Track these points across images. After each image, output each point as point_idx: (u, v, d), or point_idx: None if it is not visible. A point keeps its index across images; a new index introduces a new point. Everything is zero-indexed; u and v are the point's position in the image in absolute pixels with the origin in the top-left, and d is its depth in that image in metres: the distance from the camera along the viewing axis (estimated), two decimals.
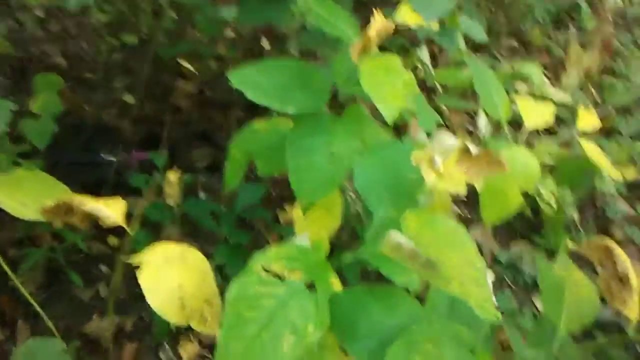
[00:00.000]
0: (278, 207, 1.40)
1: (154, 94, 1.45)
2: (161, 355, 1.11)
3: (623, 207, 1.61)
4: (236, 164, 0.84)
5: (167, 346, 1.13)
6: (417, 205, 0.58)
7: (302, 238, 0.74)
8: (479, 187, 0.46)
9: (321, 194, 0.74)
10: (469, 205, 1.52)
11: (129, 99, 1.45)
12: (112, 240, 1.25)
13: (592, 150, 0.87)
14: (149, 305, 1.20)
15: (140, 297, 1.19)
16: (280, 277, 0.58)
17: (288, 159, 0.73)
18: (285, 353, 0.54)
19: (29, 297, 0.80)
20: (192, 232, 1.29)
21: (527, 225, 1.53)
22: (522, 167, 0.85)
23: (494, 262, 1.42)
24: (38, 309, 0.82)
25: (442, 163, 0.44)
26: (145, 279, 0.64)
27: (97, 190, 1.23)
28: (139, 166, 1.21)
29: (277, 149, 0.79)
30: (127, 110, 1.41)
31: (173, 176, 0.72)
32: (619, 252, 0.50)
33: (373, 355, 0.61)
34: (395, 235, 0.49)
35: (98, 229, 1.27)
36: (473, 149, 0.44)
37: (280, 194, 1.46)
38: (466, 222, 1.51)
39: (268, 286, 0.57)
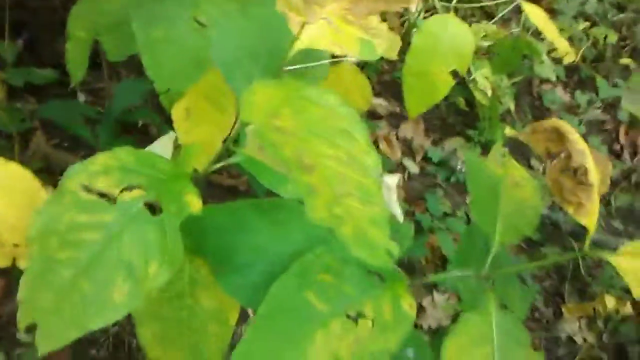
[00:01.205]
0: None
1: None
2: None
3: (561, 94, 1.51)
4: (79, 45, 0.62)
5: None
6: None
7: (164, 141, 0.55)
8: (380, 45, 0.28)
9: (187, 78, 0.54)
10: (399, 98, 1.36)
11: None
12: None
13: (538, 17, 0.70)
14: None
15: None
16: (110, 199, 0.40)
17: (136, 30, 0.52)
18: (118, 304, 0.38)
19: None
20: (69, 142, 1.08)
21: (462, 119, 1.41)
22: (452, 39, 0.68)
23: (425, 160, 1.30)
24: None
25: None
26: None
27: None
28: None
29: (128, 22, 0.57)
30: None
31: None
32: (574, 137, 0.36)
33: (254, 292, 0.46)
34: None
35: None
36: None
37: None
38: (394, 118, 1.36)
39: (91, 212, 0.39)
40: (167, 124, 1.17)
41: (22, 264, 0.52)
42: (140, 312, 0.50)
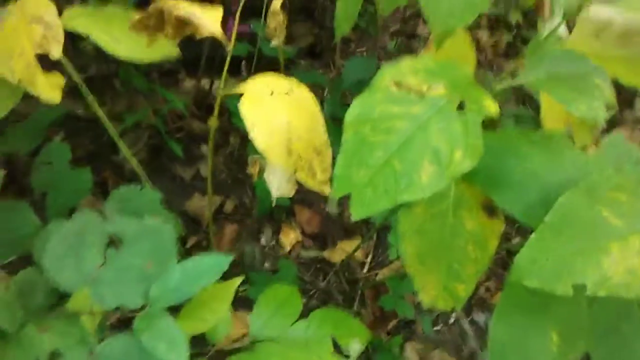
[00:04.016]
0: None
1: None
2: (262, 238, 1.05)
3: None
4: (348, 3, 0.70)
5: (268, 230, 1.06)
6: None
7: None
8: None
9: (462, 18, 0.57)
10: None
11: None
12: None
13: None
14: (249, 188, 1.12)
15: (241, 181, 1.12)
16: (417, 95, 0.44)
17: None
18: (424, 184, 0.41)
19: (136, 166, 0.74)
20: None
21: None
22: None
23: None
24: (143, 177, 0.77)
25: None
26: (248, 110, 0.53)
27: (194, 63, 1.14)
28: (237, 38, 1.11)
29: None
30: None
31: (278, 3, 0.60)
32: None
33: (531, 209, 0.47)
34: (602, 10, 0.33)
35: (199, 108, 1.21)
36: None
37: None
38: None
39: (401, 104, 0.44)
40: None
41: (301, 176, 0.59)
42: (405, 226, 0.53)
